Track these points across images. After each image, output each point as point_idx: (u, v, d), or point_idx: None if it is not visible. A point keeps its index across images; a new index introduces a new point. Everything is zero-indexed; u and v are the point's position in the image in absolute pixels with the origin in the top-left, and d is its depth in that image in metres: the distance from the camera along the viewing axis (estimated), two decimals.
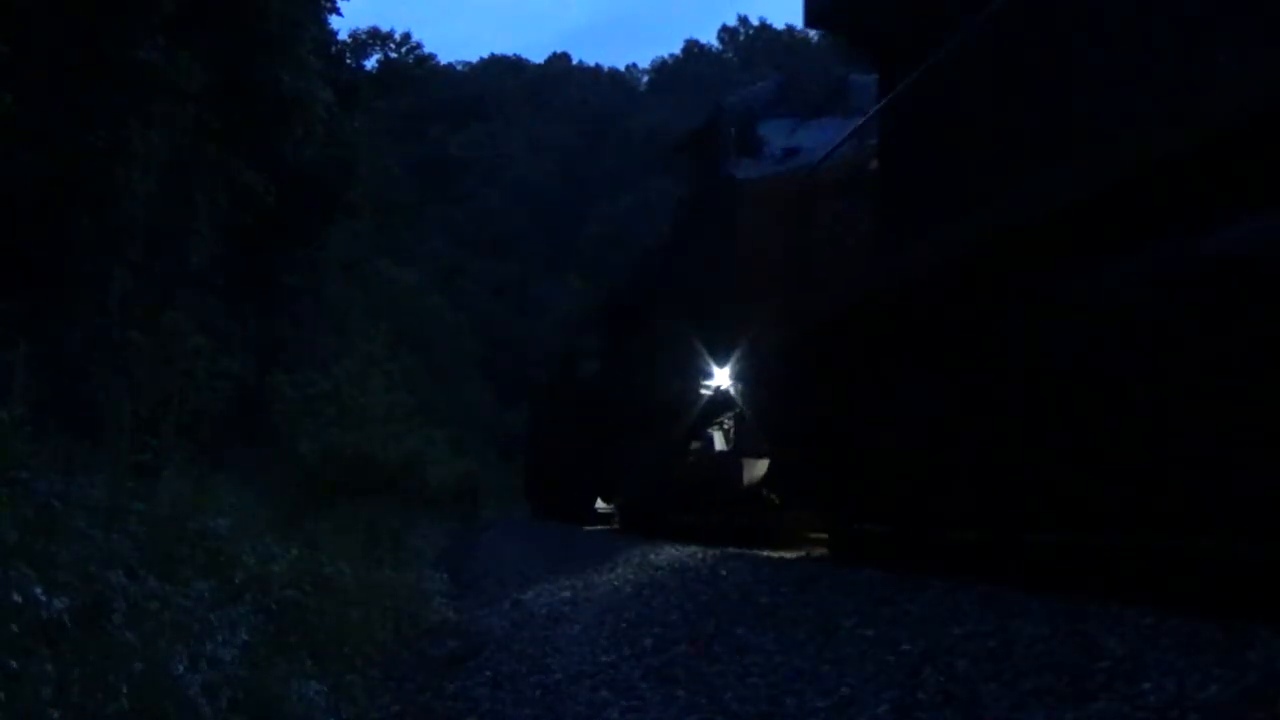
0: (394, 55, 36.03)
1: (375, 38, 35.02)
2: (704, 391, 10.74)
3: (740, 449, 10.02)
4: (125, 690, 2.94)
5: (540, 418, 30.62)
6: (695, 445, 11.56)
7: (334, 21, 27.65)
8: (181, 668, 3.24)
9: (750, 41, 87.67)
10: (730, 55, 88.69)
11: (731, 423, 10.46)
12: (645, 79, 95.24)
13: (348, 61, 29.08)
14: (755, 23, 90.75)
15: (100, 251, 11.69)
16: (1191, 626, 3.42)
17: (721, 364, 10.16)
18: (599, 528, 19.41)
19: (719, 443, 10.86)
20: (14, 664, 2.72)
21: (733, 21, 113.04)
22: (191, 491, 5.93)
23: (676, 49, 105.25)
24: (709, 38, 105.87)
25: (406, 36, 37.15)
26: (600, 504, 20.73)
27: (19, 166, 10.12)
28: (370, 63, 33.83)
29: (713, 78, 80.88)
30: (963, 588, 4.99)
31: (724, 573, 7.08)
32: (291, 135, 17.33)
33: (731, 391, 9.93)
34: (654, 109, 79.78)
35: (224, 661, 3.54)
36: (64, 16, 10.62)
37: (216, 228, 15.95)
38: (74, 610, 3.12)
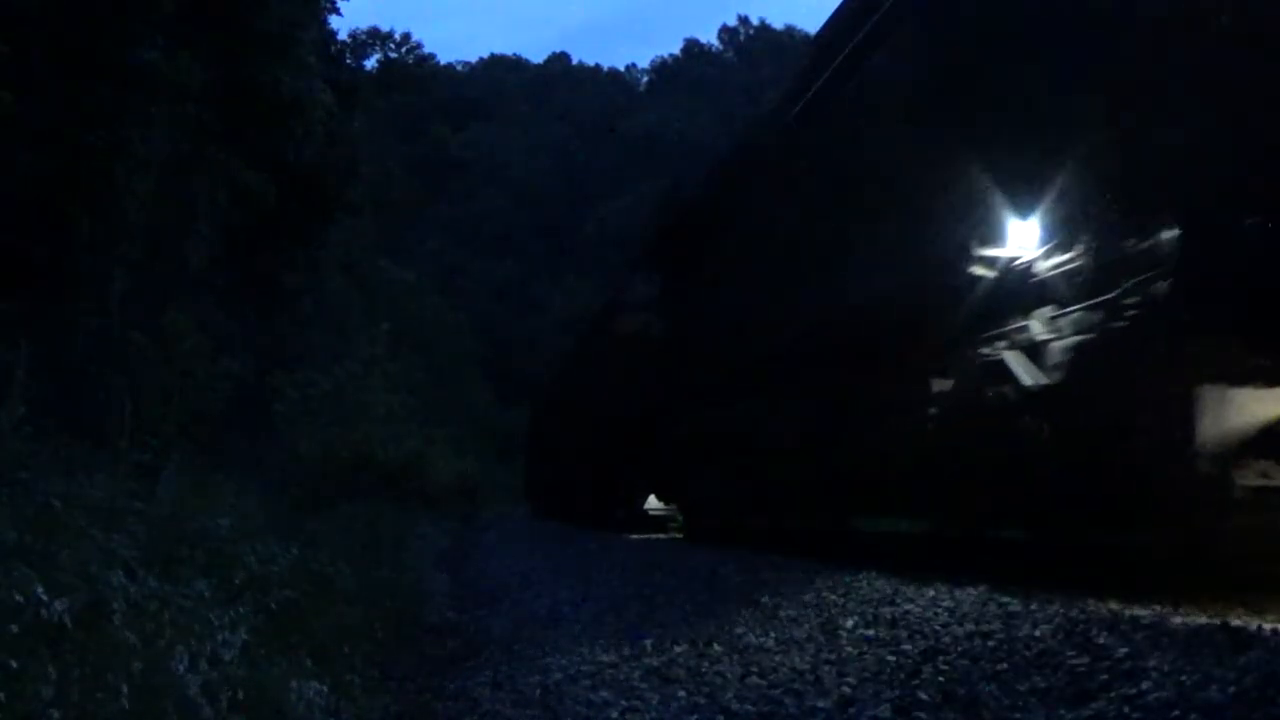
0: (394, 55, 36.05)
1: (375, 38, 35.06)
2: (980, 272, 5.83)
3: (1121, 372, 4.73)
4: (125, 690, 2.93)
5: (553, 399, 26.12)
6: (941, 386, 6.29)
7: (334, 21, 27.66)
8: (181, 668, 3.24)
9: (750, 41, 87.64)
10: (730, 55, 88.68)
11: (1065, 329, 5.15)
12: (645, 79, 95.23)
13: (348, 61, 29.07)
14: (755, 23, 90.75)
15: (100, 251, 11.69)
16: (1191, 626, 3.42)
17: (1026, 214, 5.54)
18: (657, 536, 14.58)
19: (1024, 371, 5.43)
20: (14, 664, 2.71)
21: (733, 21, 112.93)
22: (191, 491, 5.93)
23: (676, 49, 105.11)
24: (709, 38, 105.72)
25: (406, 36, 37.23)
26: (654, 503, 15.84)
27: (19, 166, 10.12)
28: (370, 63, 33.85)
29: (713, 78, 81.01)
30: (962, 588, 4.98)
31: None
32: (291, 135, 17.33)
33: (1046, 264, 5.32)
34: (654, 109, 79.82)
35: (224, 661, 3.54)
36: (64, 16, 10.62)
37: (216, 228, 15.94)
38: (74, 610, 3.12)
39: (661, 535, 14.92)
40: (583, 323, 26.60)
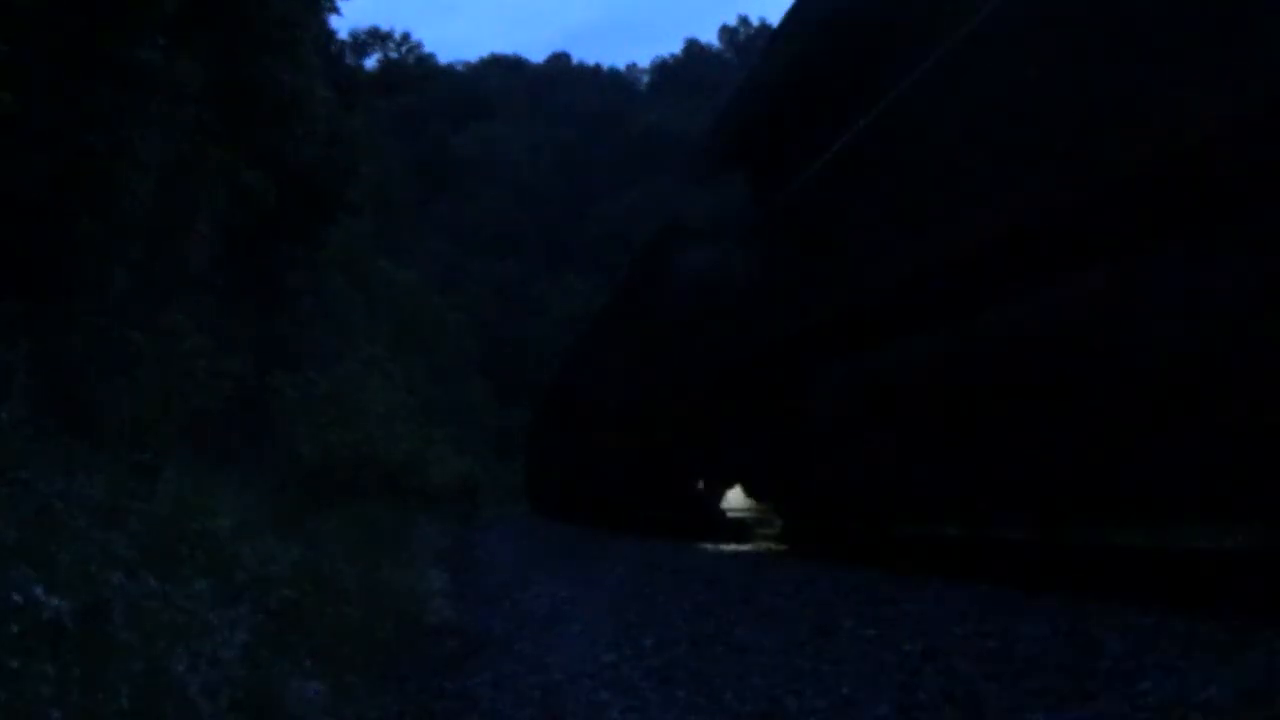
0: (394, 55, 36.08)
1: (375, 37, 35.08)
2: None
3: None
4: (125, 690, 2.93)
5: (569, 384, 22.51)
6: None
7: (334, 21, 27.70)
8: (181, 668, 3.24)
9: (750, 41, 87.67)
10: (730, 55, 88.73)
11: None
12: (645, 79, 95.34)
13: (348, 61, 29.08)
14: (755, 23, 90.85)
15: (100, 251, 11.68)
16: (1191, 626, 3.42)
17: None
18: (740, 548, 10.90)
19: None
20: (14, 664, 2.71)
21: (733, 21, 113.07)
22: (191, 491, 5.92)
23: (676, 49, 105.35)
24: (709, 38, 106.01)
25: (406, 36, 37.33)
26: (737, 499, 11.86)
27: (19, 166, 10.11)
28: (370, 62, 33.87)
29: (713, 78, 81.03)
30: (962, 588, 4.98)
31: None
32: (292, 135, 17.34)
33: None
34: (654, 109, 79.84)
35: (224, 661, 3.54)
36: (64, 16, 10.62)
37: (216, 228, 15.95)
38: (74, 610, 3.12)
39: (745, 547, 11.11)
40: (582, 322, 25.40)
